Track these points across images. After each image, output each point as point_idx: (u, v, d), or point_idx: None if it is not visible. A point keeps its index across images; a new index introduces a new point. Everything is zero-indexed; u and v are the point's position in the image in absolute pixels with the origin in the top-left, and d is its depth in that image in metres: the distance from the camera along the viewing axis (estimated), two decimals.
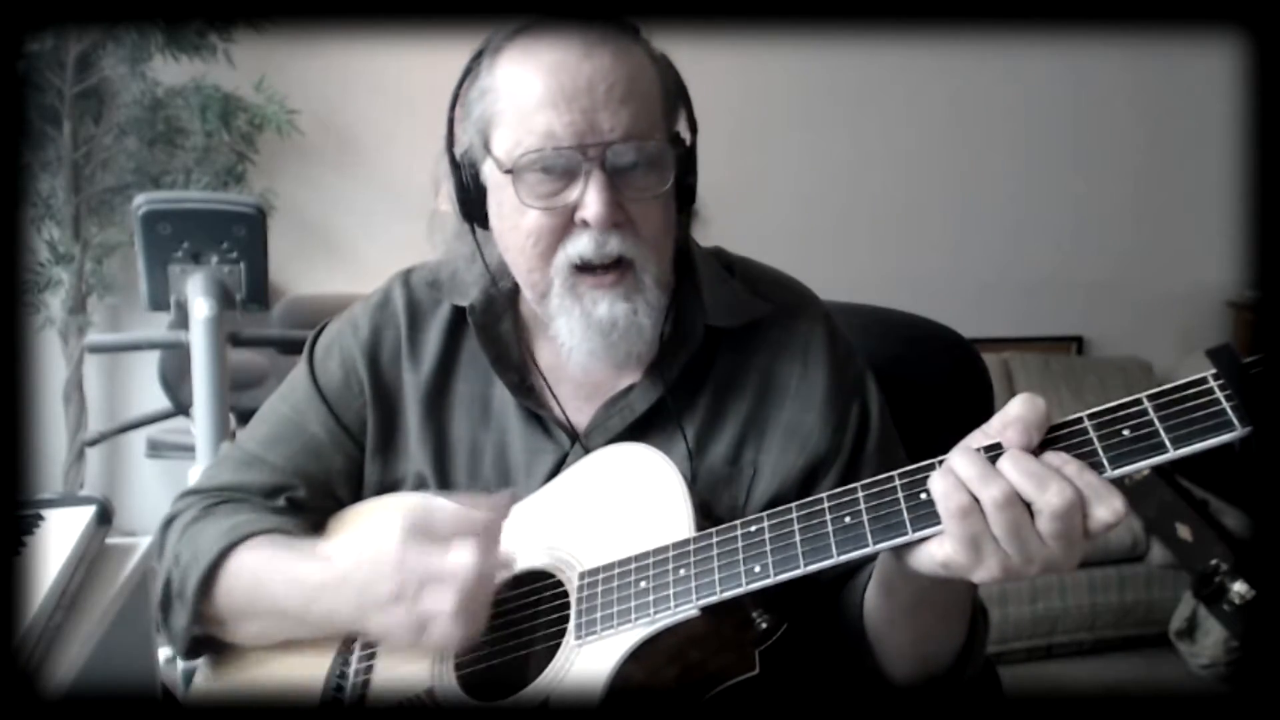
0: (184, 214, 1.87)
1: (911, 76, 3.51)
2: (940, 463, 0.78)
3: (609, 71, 0.91)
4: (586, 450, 1.01)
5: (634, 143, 0.92)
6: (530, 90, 0.92)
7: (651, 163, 0.94)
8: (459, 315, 1.07)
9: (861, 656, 0.96)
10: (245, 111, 2.94)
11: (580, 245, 0.94)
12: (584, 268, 0.95)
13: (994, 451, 0.76)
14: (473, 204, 1.00)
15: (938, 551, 0.77)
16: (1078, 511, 0.73)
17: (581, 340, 0.97)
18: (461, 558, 0.85)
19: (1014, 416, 0.76)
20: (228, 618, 1.01)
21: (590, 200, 0.91)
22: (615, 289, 0.95)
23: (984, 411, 1.33)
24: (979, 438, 0.78)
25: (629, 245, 0.94)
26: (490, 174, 0.97)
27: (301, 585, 0.94)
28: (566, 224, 0.94)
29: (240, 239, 1.88)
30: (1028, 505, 0.74)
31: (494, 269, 1.03)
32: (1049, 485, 0.73)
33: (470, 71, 0.97)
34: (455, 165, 0.99)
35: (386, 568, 0.87)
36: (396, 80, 3.03)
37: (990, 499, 0.74)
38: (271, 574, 0.97)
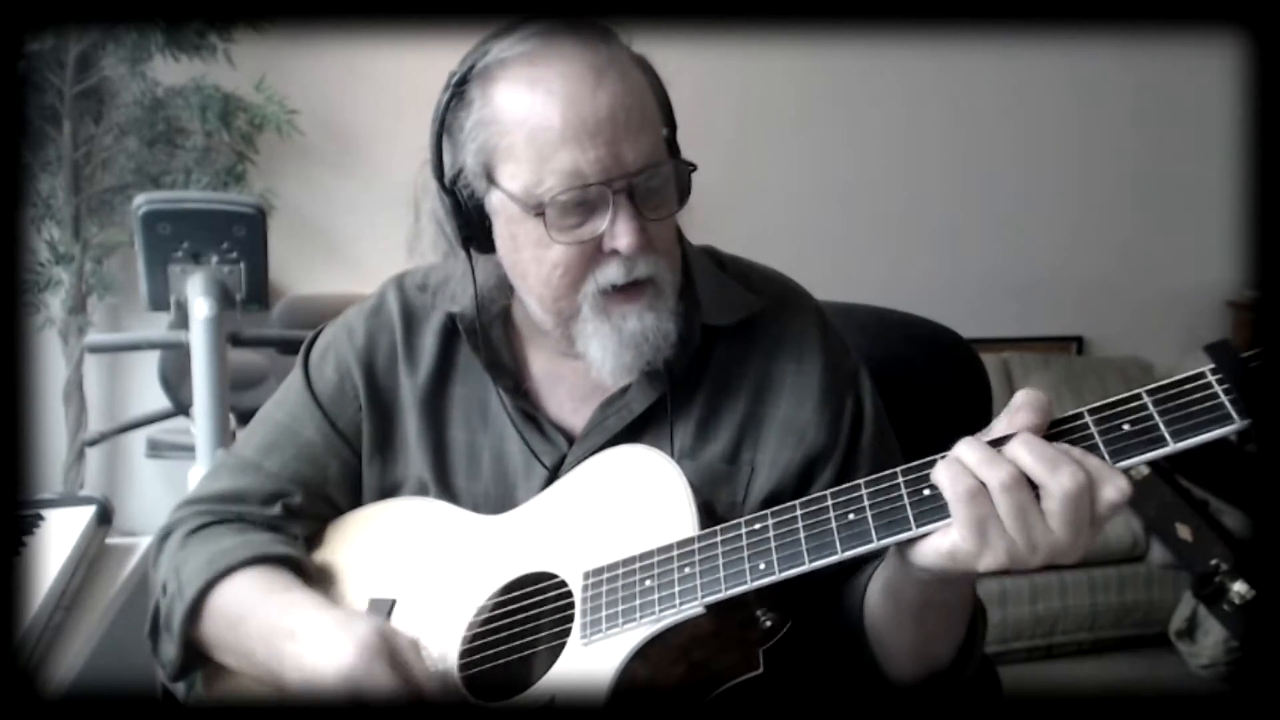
0: (184, 214, 1.87)
1: (911, 76, 3.51)
2: (943, 457, 0.78)
3: (623, 98, 0.91)
4: (584, 453, 1.01)
5: (654, 169, 0.93)
6: (546, 126, 0.91)
7: (668, 184, 0.95)
8: (453, 319, 1.07)
9: (860, 657, 0.96)
10: (245, 111, 2.93)
11: (610, 273, 0.94)
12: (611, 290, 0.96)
13: (1001, 443, 0.76)
14: (473, 229, 0.99)
15: (943, 541, 0.77)
16: (1086, 494, 0.73)
17: (615, 356, 0.97)
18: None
19: (1020, 405, 0.77)
20: (212, 649, 1.02)
21: (621, 231, 0.92)
22: (640, 302, 0.96)
23: (983, 411, 1.34)
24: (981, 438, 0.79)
25: (652, 266, 0.95)
26: (501, 206, 0.96)
27: (266, 647, 0.96)
28: (594, 253, 0.94)
29: (240, 239, 1.87)
30: (1034, 490, 0.74)
31: (486, 292, 1.02)
32: (1061, 468, 0.73)
33: (455, 96, 0.95)
34: (448, 192, 0.97)
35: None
36: (396, 80, 3.03)
37: (998, 481, 0.74)
38: (245, 619, 0.99)
